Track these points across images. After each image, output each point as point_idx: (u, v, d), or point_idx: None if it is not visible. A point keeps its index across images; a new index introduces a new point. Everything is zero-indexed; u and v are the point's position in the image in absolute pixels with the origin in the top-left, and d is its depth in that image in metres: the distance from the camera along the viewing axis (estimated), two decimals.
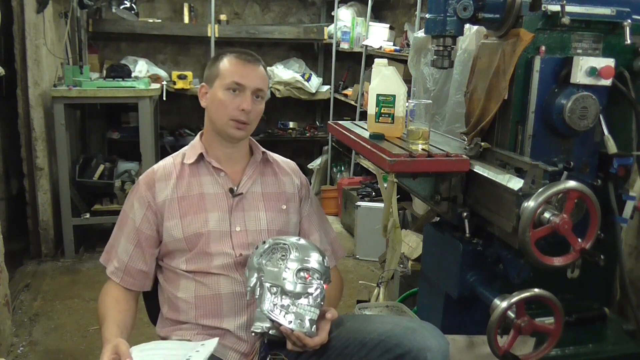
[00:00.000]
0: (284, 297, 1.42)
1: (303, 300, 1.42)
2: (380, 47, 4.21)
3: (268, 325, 1.41)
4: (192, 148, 1.66)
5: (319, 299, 1.44)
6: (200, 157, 1.63)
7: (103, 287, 1.62)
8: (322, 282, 1.46)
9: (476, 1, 1.60)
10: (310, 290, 1.43)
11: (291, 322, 1.40)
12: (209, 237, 1.56)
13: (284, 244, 1.48)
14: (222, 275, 1.55)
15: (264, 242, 1.50)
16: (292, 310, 1.41)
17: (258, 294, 1.45)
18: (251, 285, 1.46)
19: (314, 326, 1.42)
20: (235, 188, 1.62)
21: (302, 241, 1.51)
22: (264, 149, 1.72)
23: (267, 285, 1.44)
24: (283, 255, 1.46)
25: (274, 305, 1.42)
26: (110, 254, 1.64)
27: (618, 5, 1.63)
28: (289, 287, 1.42)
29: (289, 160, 1.79)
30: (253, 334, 1.45)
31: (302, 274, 1.44)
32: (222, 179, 1.62)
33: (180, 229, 1.56)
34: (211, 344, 1.43)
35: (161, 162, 1.67)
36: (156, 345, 1.46)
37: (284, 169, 1.74)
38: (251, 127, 1.62)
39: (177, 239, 1.57)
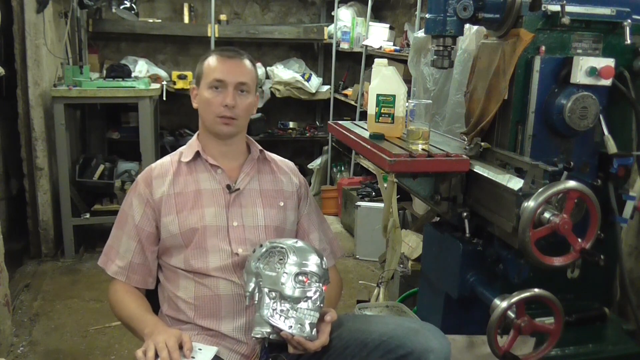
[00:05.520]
0: (283, 301, 1.41)
1: (302, 304, 1.41)
2: (380, 47, 4.20)
3: (268, 330, 1.40)
4: (189, 147, 1.68)
5: (318, 302, 1.43)
6: (197, 154, 1.64)
7: (109, 290, 1.62)
8: (320, 284, 1.44)
9: (476, 1, 1.60)
10: (309, 293, 1.42)
11: (291, 327, 1.39)
12: (205, 231, 1.56)
13: (282, 247, 1.46)
14: (220, 278, 1.54)
15: (261, 246, 1.49)
16: (291, 315, 1.40)
17: (257, 298, 1.44)
18: (250, 290, 1.45)
19: (315, 329, 1.42)
20: (233, 184, 1.62)
21: (300, 244, 1.49)
22: (261, 148, 1.72)
23: (266, 290, 1.42)
24: (281, 259, 1.44)
25: (274, 310, 1.40)
26: (109, 255, 1.63)
27: (618, 5, 1.63)
28: (287, 291, 1.41)
29: (287, 160, 1.79)
30: (254, 338, 1.44)
31: (300, 277, 1.42)
32: (219, 175, 1.63)
33: (176, 224, 1.57)
34: (209, 352, 1.43)
35: (159, 161, 1.68)
36: None
37: (282, 168, 1.74)
38: (240, 122, 1.62)
39: (173, 234, 1.57)
